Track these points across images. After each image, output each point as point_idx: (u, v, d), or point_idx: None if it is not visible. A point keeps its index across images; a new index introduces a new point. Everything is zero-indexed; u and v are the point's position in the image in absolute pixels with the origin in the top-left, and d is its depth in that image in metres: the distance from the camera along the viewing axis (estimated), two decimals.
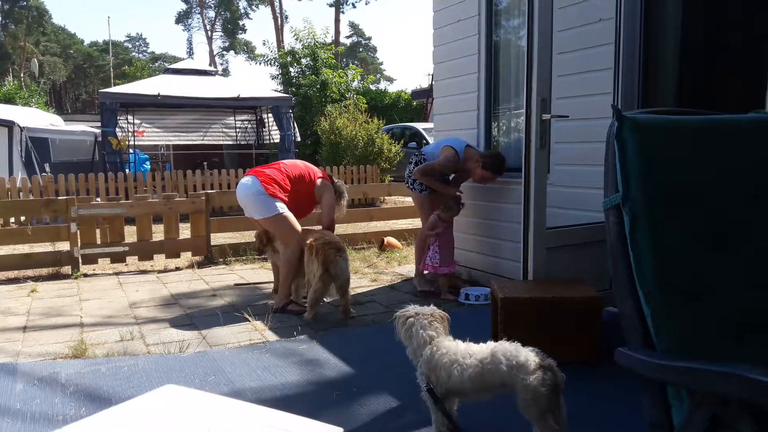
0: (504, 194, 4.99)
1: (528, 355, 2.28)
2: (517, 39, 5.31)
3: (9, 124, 11.04)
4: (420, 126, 16.29)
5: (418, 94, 23.80)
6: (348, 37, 54.21)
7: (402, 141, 14.77)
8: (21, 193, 9.75)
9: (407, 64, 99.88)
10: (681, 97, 4.17)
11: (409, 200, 7.86)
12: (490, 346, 2.39)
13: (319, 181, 4.84)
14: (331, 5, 44.56)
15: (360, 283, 5.57)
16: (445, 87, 5.83)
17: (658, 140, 1.47)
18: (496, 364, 2.29)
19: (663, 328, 1.37)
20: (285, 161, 5.01)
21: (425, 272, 5.28)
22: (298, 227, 4.62)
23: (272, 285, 5.18)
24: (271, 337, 3.98)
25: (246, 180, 4.67)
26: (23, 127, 11.21)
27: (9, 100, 19.76)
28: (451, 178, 5.30)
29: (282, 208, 4.55)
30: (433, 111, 6.21)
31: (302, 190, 4.75)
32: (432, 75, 21.87)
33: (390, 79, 58.43)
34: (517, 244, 4.37)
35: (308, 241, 4.46)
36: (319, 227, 5.00)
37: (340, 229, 7.82)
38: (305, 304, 4.61)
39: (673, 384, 1.34)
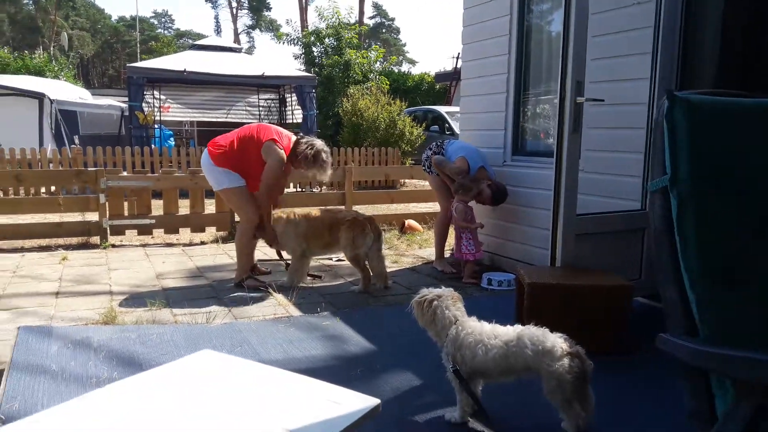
0: (532, 179, 4.94)
1: (555, 341, 2.27)
2: (549, 20, 5.23)
3: (39, 96, 11.20)
4: (443, 109, 16.17)
5: (441, 76, 23.61)
6: (371, 17, 53.87)
7: (424, 124, 14.69)
8: (51, 164, 9.89)
9: (430, 46, 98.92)
10: (721, 85, 4.08)
11: None
12: (517, 329, 2.39)
13: (266, 143, 4.35)
14: None
15: None
16: (473, 68, 5.77)
17: (710, 122, 1.44)
18: (521, 348, 2.29)
19: (707, 314, 1.36)
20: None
21: (449, 256, 5.30)
22: (250, 202, 4.48)
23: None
24: (295, 312, 4.02)
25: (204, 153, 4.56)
26: (53, 100, 11.35)
27: (39, 72, 19.96)
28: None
29: (234, 180, 4.41)
30: (460, 93, 6.15)
31: (250, 151, 4.39)
32: (458, 57, 21.55)
33: (412, 62, 57.99)
34: (543, 231, 4.35)
35: (350, 219, 4.56)
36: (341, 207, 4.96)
37: (361, 210, 7.83)
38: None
39: (717, 372, 1.33)
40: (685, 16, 3.82)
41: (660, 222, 1.47)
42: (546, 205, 4.00)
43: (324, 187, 10.80)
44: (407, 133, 13.43)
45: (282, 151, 4.39)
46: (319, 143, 4.54)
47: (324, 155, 4.48)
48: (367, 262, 4.62)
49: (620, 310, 3.19)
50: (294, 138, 4.58)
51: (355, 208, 7.45)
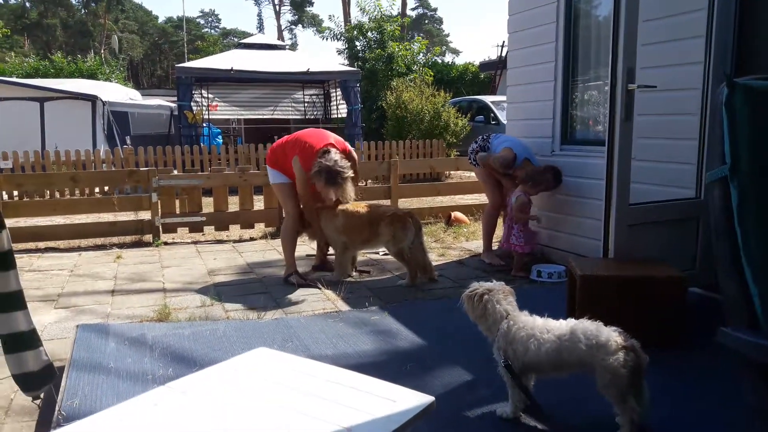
0: (582, 169, 4.83)
1: (609, 335, 2.22)
2: (597, 4, 5.08)
3: (92, 99, 11.59)
4: (488, 99, 15.95)
5: (485, 66, 23.30)
6: (413, 9, 53.58)
7: (469, 114, 14.53)
8: (104, 165, 10.24)
9: (473, 36, 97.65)
10: None
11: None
12: (570, 323, 2.34)
13: (294, 157, 4.42)
14: None
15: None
16: (520, 57, 5.67)
17: None
18: (574, 342, 2.25)
19: None
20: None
21: (496, 248, 5.24)
22: (290, 198, 4.63)
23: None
24: (343, 306, 4.05)
25: None
26: (105, 102, 11.73)
27: (91, 75, 20.66)
28: None
29: (278, 177, 4.64)
30: (507, 82, 6.06)
31: (289, 156, 4.51)
32: (503, 46, 21.16)
33: (456, 52, 57.67)
34: (594, 221, 4.25)
35: (390, 214, 4.58)
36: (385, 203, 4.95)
37: (406, 203, 7.85)
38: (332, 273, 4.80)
39: None
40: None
41: (719, 213, 1.41)
42: (597, 194, 3.91)
43: (370, 181, 10.85)
44: (452, 125, 13.32)
45: (300, 167, 4.42)
46: (327, 162, 4.27)
47: (325, 175, 4.26)
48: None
49: (675, 302, 3.09)
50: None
51: (401, 200, 7.46)
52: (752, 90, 1.35)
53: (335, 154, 4.36)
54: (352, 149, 4.75)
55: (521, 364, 2.37)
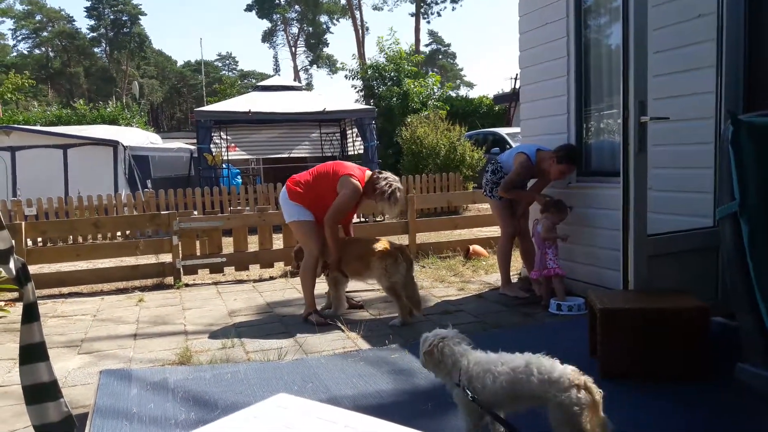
0: (600, 200, 4.82)
1: (563, 372, 2.23)
2: (607, 38, 5.15)
3: (114, 144, 11.87)
4: (503, 131, 16.03)
5: (499, 98, 23.48)
6: (427, 45, 54.48)
7: (485, 147, 14.61)
8: (126, 208, 10.42)
9: (487, 69, 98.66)
10: None
11: None
12: (525, 356, 2.36)
13: (342, 177, 4.58)
14: (412, 15, 45.11)
15: (447, 292, 5.55)
16: (532, 91, 5.73)
17: None
18: (527, 375, 2.26)
19: None
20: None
21: (516, 279, 5.21)
22: (314, 236, 4.66)
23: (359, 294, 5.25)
24: (363, 345, 4.05)
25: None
26: (126, 146, 12.00)
27: (113, 120, 21.16)
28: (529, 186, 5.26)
29: (301, 214, 4.64)
30: (520, 116, 6.11)
31: (324, 186, 4.62)
32: (516, 78, 21.39)
33: (470, 85, 58.11)
34: (615, 252, 4.23)
35: (381, 249, 4.54)
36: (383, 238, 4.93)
37: (424, 237, 7.86)
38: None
39: None
40: (749, 28, 3.67)
41: (732, 248, 1.41)
42: (615, 225, 3.90)
43: (386, 217, 10.88)
44: (468, 158, 13.41)
45: (358, 183, 4.58)
46: (396, 182, 4.67)
47: (399, 194, 4.63)
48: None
49: (698, 333, 3.04)
50: (369, 173, 4.73)
51: (419, 235, 7.47)
52: (756, 127, 1.37)
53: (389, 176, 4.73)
54: None
55: (483, 401, 2.36)
